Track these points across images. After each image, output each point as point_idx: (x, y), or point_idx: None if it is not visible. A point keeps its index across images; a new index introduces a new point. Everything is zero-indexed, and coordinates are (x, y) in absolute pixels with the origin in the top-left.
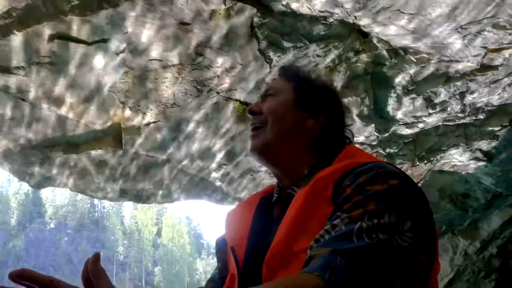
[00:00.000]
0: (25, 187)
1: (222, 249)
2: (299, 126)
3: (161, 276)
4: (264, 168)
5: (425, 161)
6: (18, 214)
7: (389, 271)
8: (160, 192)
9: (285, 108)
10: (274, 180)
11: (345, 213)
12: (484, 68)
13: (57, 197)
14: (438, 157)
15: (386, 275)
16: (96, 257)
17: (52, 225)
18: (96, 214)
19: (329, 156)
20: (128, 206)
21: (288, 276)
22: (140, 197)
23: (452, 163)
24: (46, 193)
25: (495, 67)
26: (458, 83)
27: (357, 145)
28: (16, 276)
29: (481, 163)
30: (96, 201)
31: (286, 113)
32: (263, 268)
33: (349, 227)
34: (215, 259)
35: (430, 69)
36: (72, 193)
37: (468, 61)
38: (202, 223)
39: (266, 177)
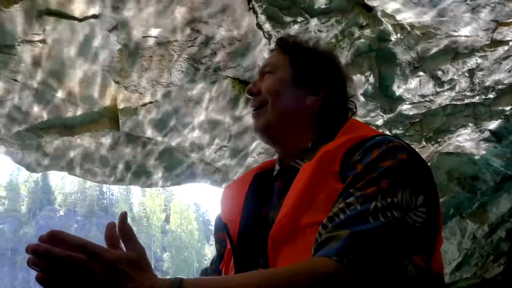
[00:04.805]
0: (35, 174)
1: (221, 228)
2: (300, 103)
3: (170, 262)
4: (264, 149)
5: (433, 142)
6: (28, 202)
7: (406, 247)
8: (159, 175)
9: (283, 87)
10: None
11: (359, 191)
12: (494, 43)
13: (66, 185)
14: (446, 138)
15: (403, 252)
16: (124, 216)
17: (62, 212)
18: (105, 201)
19: (331, 129)
20: (136, 193)
21: (304, 260)
22: (138, 181)
23: (461, 144)
24: (55, 180)
25: (506, 42)
26: (467, 60)
27: None
28: (55, 236)
29: (491, 144)
30: (104, 188)
31: (284, 92)
32: (268, 241)
33: (365, 206)
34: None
35: (437, 45)
36: (81, 180)
37: (478, 35)
38: (210, 210)
39: (267, 158)
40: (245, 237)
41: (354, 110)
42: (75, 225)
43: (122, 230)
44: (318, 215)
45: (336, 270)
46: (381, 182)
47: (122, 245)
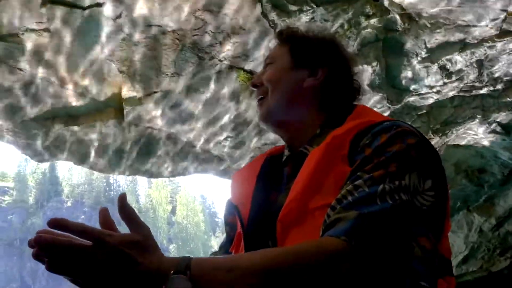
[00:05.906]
0: (42, 166)
1: (231, 212)
2: (298, 86)
3: (176, 253)
4: (270, 140)
5: (440, 134)
6: (36, 193)
7: (413, 230)
8: (165, 165)
9: (282, 73)
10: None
11: (367, 174)
12: (503, 33)
13: (73, 176)
14: (454, 130)
15: (410, 234)
16: (123, 197)
17: (69, 203)
18: (112, 192)
19: (339, 112)
20: (142, 185)
21: (313, 239)
22: (144, 171)
23: (468, 136)
24: (62, 171)
25: None
26: (476, 50)
27: None
28: (57, 224)
29: (499, 137)
30: (111, 179)
31: (283, 77)
32: (277, 224)
33: (372, 189)
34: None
35: (445, 35)
36: (88, 172)
37: (487, 26)
38: (216, 202)
39: None
40: (255, 220)
41: (359, 88)
42: (82, 216)
43: (123, 212)
44: (327, 198)
45: (344, 249)
46: (390, 166)
47: (121, 230)
